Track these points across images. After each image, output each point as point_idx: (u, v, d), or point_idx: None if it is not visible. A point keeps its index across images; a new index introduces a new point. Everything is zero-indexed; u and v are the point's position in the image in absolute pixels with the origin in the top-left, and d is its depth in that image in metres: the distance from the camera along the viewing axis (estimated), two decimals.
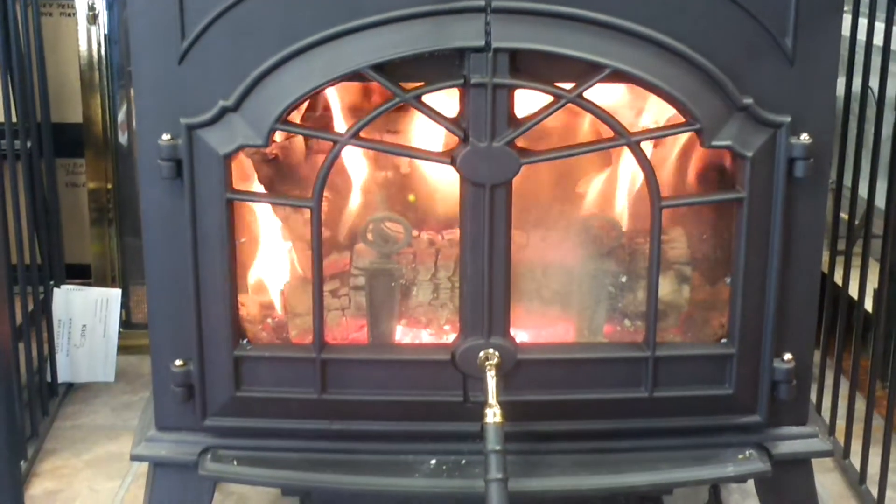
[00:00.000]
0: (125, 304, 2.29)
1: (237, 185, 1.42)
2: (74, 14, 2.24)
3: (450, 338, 1.49)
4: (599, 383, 1.47)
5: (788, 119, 1.39)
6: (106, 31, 2.23)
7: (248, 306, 1.52)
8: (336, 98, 1.51)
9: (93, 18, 2.22)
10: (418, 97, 1.37)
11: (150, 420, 1.53)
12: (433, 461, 1.48)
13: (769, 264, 1.44)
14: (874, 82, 1.79)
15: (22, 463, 1.86)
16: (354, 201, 1.55)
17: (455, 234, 1.46)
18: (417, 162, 1.52)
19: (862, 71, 1.79)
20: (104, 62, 2.23)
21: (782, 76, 1.39)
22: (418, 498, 1.49)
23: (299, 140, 1.55)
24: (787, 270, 1.45)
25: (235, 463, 1.49)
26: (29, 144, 2.03)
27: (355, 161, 1.54)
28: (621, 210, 1.55)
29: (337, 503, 1.60)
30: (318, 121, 1.52)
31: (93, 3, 2.21)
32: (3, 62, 1.85)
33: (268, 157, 1.53)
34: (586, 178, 1.55)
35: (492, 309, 1.43)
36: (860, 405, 1.84)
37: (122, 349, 2.21)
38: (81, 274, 2.33)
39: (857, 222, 1.90)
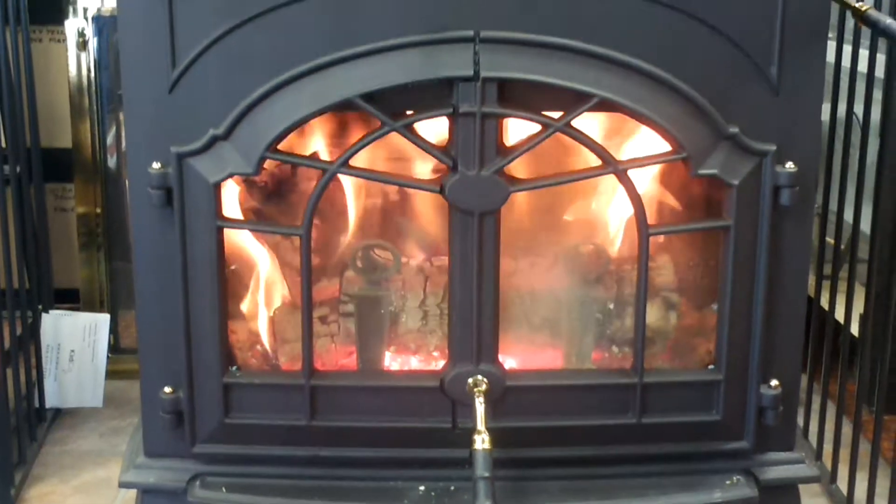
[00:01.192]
0: (114, 329, 2.29)
1: (228, 212, 1.43)
2: (64, 40, 2.25)
3: (439, 364, 1.50)
4: (588, 410, 1.48)
5: (774, 148, 1.40)
6: (95, 57, 2.23)
7: (238, 333, 1.52)
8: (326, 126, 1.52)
9: (82, 44, 2.22)
10: (407, 126, 1.38)
11: (139, 446, 1.53)
12: (422, 488, 1.49)
13: (755, 291, 1.45)
14: (859, 108, 1.81)
15: (10, 489, 1.86)
16: (344, 228, 1.56)
17: (444, 260, 1.47)
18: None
19: (847, 97, 1.81)
20: (93, 87, 2.24)
21: (768, 105, 1.41)
22: None
23: (289, 168, 1.56)
24: (774, 297, 1.46)
25: (224, 490, 1.49)
26: (18, 169, 2.03)
27: (345, 189, 1.55)
28: (609, 237, 1.56)
29: None
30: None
31: (82, 29, 2.22)
32: None
33: (258, 185, 1.54)
34: (574, 205, 1.57)
35: (480, 336, 1.44)
36: (847, 430, 1.85)
37: (111, 374, 2.20)
38: (70, 299, 2.33)
39: (843, 247, 1.91)
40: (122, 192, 2.25)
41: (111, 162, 2.28)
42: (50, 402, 2.14)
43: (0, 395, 1.81)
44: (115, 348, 2.29)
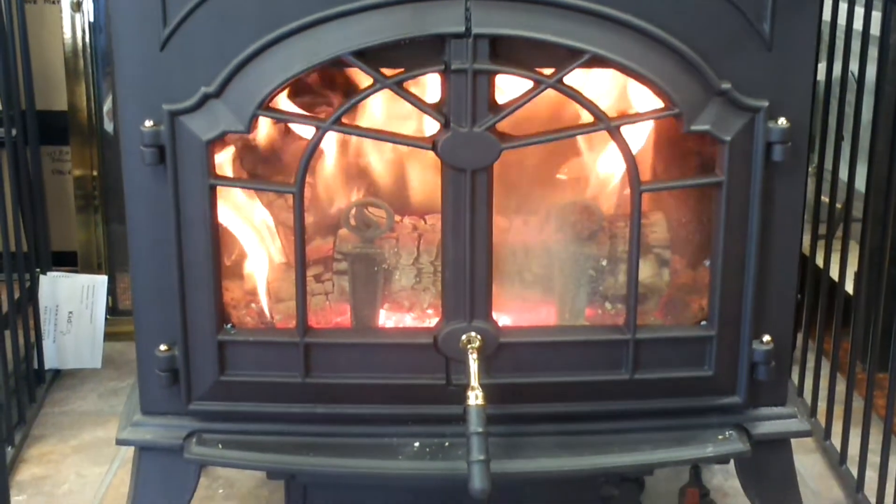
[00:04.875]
0: (111, 291, 2.30)
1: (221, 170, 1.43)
2: (59, 2, 2.24)
3: (432, 321, 1.50)
4: (581, 366, 1.49)
5: (766, 104, 1.40)
6: (91, 19, 2.23)
7: (233, 291, 1.53)
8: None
9: (77, 6, 2.22)
10: (399, 83, 1.37)
11: (136, 405, 1.54)
12: (416, 444, 1.50)
13: (748, 247, 1.45)
14: (854, 67, 1.81)
15: (9, 449, 1.88)
16: (337, 186, 1.56)
17: (437, 218, 1.47)
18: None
19: (842, 55, 1.80)
20: (89, 49, 2.24)
21: (760, 61, 1.40)
22: (402, 480, 1.51)
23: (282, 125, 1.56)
24: (766, 253, 1.46)
25: (220, 446, 1.50)
26: (14, 132, 2.03)
27: (338, 146, 1.55)
28: (602, 194, 1.56)
29: (321, 486, 1.61)
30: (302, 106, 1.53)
31: None
32: None
33: (251, 143, 1.54)
34: (568, 162, 1.57)
35: (474, 293, 1.45)
36: (841, 387, 1.86)
37: (109, 335, 2.22)
38: (68, 261, 2.34)
39: (838, 206, 1.91)
40: (118, 154, 2.25)
41: (108, 126, 2.28)
42: (49, 363, 2.16)
43: None
44: (113, 310, 2.30)
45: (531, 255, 1.54)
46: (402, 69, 1.38)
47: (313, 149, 1.40)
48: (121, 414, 1.60)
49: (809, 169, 1.63)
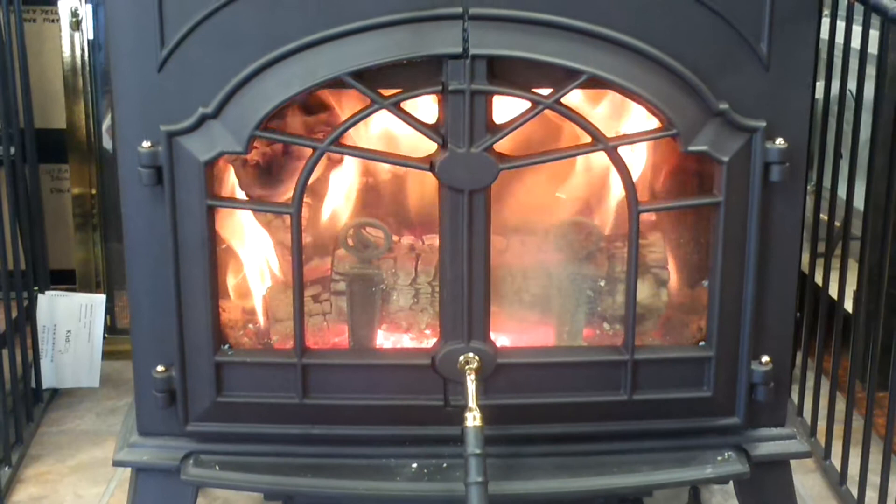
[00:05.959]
0: (110, 310, 2.29)
1: (219, 190, 1.43)
2: (58, 20, 2.24)
3: (430, 342, 1.50)
4: (579, 387, 1.48)
5: (764, 124, 1.40)
6: (90, 37, 2.23)
7: (230, 312, 1.53)
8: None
9: (76, 24, 2.22)
10: (396, 104, 1.37)
11: (133, 425, 1.53)
12: (414, 465, 1.49)
13: (746, 267, 1.45)
14: (852, 85, 1.81)
15: (7, 469, 1.87)
16: (335, 207, 1.56)
17: (435, 239, 1.47)
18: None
19: (840, 74, 1.80)
20: (87, 68, 2.24)
21: (758, 81, 1.40)
22: (399, 501, 1.50)
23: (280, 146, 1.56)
24: (765, 274, 1.46)
25: (218, 468, 1.49)
26: (12, 150, 2.03)
27: (336, 167, 1.55)
28: (600, 214, 1.56)
29: None
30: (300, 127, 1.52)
31: (76, 9, 2.21)
32: None
33: (249, 163, 1.54)
34: (565, 183, 1.57)
35: (471, 313, 1.44)
36: (841, 406, 1.85)
37: (107, 355, 2.21)
38: (66, 280, 2.33)
39: (837, 224, 1.91)
40: (117, 172, 2.24)
41: (108, 144, 2.27)
42: (46, 382, 2.15)
43: None
44: (111, 329, 2.30)
45: (529, 276, 1.53)
46: (400, 90, 1.38)
47: (310, 170, 1.40)
48: (118, 434, 1.60)
49: (808, 187, 1.63)
